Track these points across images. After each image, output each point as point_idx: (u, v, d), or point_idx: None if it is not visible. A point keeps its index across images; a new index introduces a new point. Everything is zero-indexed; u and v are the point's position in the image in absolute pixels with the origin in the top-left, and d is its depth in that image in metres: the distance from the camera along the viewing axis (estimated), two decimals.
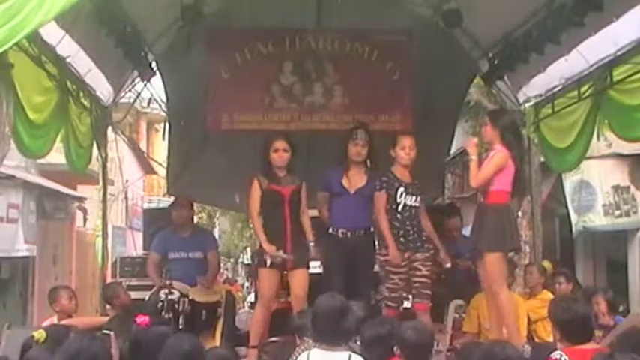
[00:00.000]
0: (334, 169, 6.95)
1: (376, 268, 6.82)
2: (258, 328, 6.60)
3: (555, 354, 4.31)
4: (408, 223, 6.50)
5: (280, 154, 6.59)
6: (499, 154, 5.86)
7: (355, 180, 6.85)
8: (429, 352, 4.38)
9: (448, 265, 6.77)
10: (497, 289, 5.83)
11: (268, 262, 6.47)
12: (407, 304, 6.78)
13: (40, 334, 5.18)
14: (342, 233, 6.80)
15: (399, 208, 6.50)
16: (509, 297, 5.94)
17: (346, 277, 6.69)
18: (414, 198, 6.55)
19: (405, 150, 6.57)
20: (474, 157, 5.90)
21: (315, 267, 7.41)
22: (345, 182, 6.86)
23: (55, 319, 6.47)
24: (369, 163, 6.91)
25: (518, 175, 5.91)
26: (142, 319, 5.77)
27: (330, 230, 6.86)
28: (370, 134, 6.89)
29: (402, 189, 6.51)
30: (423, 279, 6.47)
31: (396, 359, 4.38)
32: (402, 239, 6.45)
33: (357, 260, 6.71)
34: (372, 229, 6.77)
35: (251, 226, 23.56)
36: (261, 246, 6.61)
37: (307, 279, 6.60)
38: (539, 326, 6.84)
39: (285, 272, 6.65)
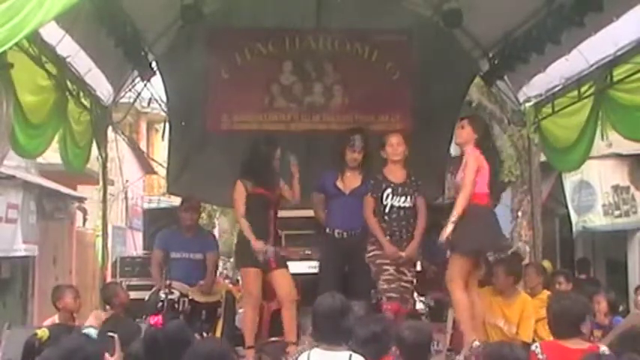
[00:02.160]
0: (330, 171, 6.96)
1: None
2: (252, 327, 6.62)
3: (533, 345, 4.45)
4: (395, 224, 6.52)
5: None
6: (474, 156, 5.94)
7: (350, 181, 6.87)
8: (427, 352, 4.38)
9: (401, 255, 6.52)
10: (450, 289, 5.93)
11: (261, 258, 6.49)
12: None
13: (43, 333, 5.20)
14: (338, 233, 6.82)
15: (386, 210, 6.53)
16: (462, 299, 5.94)
17: (343, 276, 6.71)
18: (403, 199, 6.55)
19: (392, 146, 6.60)
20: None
21: (313, 267, 7.44)
22: (339, 184, 6.89)
23: (55, 319, 6.47)
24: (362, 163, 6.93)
25: (492, 174, 5.98)
26: (155, 319, 5.76)
27: (327, 230, 6.88)
28: (366, 138, 6.89)
29: (388, 190, 6.53)
30: (408, 285, 6.54)
31: (391, 358, 4.38)
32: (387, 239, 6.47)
33: (354, 260, 6.72)
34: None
35: None
36: (237, 245, 6.67)
37: (291, 278, 6.71)
38: (540, 326, 6.81)
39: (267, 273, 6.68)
